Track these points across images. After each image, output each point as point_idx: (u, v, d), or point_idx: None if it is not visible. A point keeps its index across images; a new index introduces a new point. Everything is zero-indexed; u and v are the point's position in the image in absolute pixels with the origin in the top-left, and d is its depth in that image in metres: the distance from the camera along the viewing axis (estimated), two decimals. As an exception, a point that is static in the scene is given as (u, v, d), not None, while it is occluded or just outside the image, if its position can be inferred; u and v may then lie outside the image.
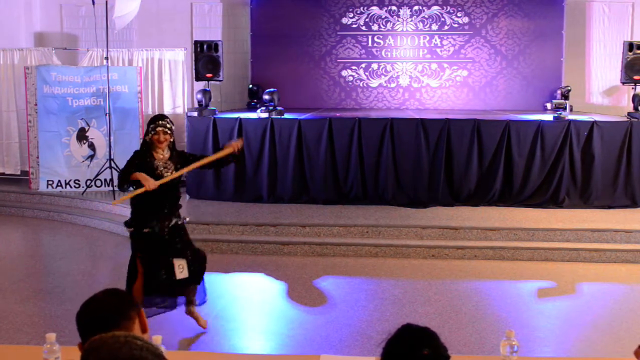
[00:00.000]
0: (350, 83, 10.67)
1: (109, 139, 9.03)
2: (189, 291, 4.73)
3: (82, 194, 9.04)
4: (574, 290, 5.96)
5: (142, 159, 4.53)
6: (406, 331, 1.73)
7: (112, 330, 1.50)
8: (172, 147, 4.64)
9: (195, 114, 8.59)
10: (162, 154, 4.58)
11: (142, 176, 4.40)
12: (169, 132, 4.55)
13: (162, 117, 4.64)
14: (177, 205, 4.72)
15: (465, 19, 10.44)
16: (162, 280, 4.51)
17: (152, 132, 4.52)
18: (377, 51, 10.59)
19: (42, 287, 5.95)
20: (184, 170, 4.63)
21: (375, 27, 10.55)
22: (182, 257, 4.56)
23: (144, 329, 1.95)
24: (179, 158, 4.67)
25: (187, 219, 4.83)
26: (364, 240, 7.03)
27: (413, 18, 10.51)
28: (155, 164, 4.53)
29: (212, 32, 10.50)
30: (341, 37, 10.59)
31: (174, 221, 4.61)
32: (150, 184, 4.37)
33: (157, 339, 2.34)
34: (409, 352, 1.67)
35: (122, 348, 1.40)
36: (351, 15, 10.55)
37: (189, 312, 4.79)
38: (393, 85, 10.64)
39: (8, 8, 10.54)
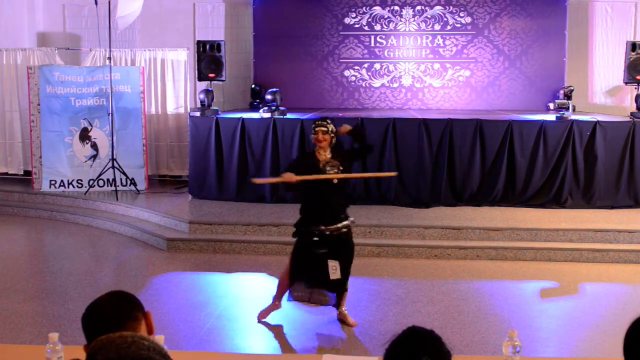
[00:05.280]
0: (352, 83, 10.66)
1: (112, 139, 9.04)
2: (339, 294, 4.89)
3: (85, 193, 9.05)
4: (577, 291, 5.95)
5: (305, 161, 4.93)
6: (411, 334, 1.71)
7: (118, 331, 1.50)
8: (334, 147, 4.84)
9: (197, 114, 8.60)
10: (325, 155, 4.80)
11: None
12: (328, 132, 4.76)
13: (323, 118, 4.88)
14: (343, 209, 4.87)
15: (468, 19, 10.43)
16: (317, 278, 4.72)
17: (313, 133, 4.81)
18: (379, 51, 10.59)
19: (44, 286, 5.96)
20: (341, 176, 4.77)
21: (377, 27, 10.55)
22: (336, 259, 4.70)
23: (150, 331, 1.95)
24: (342, 156, 4.87)
25: (353, 219, 4.91)
26: (367, 240, 7.02)
27: (415, 18, 10.51)
28: (321, 164, 4.76)
29: (215, 32, 10.51)
30: (344, 37, 10.59)
31: (339, 224, 4.78)
32: (286, 177, 4.67)
33: (159, 339, 2.34)
34: (411, 357, 1.65)
35: (130, 347, 1.40)
36: (354, 15, 10.55)
37: (340, 314, 4.97)
38: (395, 85, 10.64)
39: (11, 8, 10.56)
